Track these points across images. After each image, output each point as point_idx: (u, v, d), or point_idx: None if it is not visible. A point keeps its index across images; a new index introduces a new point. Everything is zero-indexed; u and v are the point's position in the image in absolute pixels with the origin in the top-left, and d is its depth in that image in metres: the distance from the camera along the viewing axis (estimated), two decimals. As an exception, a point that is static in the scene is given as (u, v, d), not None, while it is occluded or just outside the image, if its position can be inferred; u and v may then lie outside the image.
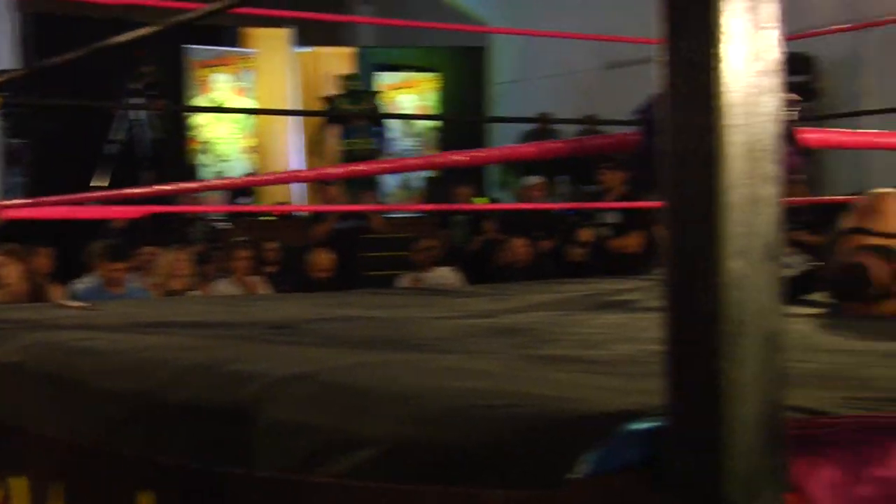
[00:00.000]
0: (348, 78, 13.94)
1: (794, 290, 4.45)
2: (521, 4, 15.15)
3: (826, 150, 11.95)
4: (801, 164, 1.75)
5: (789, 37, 9.39)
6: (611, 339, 3.05)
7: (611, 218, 9.81)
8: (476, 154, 3.00)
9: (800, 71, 12.13)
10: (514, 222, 10.57)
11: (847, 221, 3.93)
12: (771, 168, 1.41)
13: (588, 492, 1.49)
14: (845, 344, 2.98)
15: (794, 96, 1.75)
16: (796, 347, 2.83)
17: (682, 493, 1.41)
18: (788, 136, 1.73)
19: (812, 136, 1.75)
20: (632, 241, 9.14)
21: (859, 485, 1.45)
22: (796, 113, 1.72)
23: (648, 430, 1.51)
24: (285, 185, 14.03)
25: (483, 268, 9.85)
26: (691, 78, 1.41)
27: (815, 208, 10.03)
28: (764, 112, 1.41)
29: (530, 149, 3.14)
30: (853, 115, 10.78)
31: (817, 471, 1.44)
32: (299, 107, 14.91)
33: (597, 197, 11.09)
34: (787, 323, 1.43)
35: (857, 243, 3.74)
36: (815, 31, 10.03)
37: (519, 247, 9.53)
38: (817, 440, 1.50)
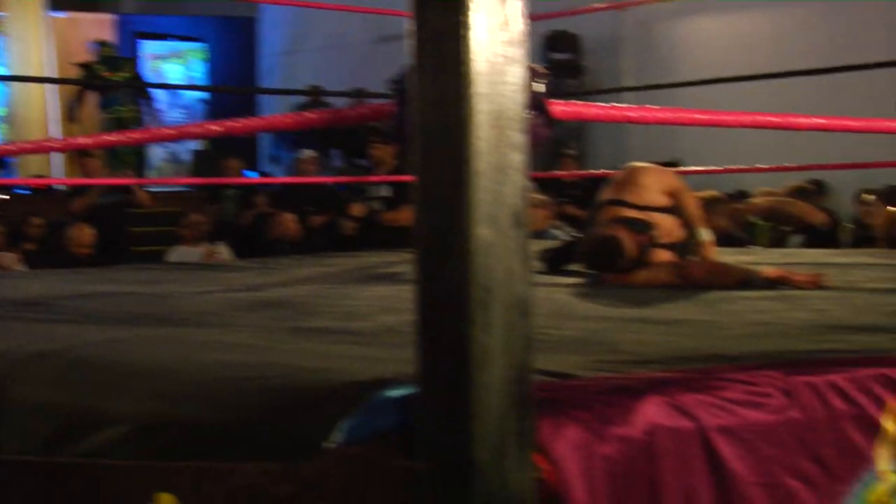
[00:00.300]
0: (103, 44, 13.42)
1: (557, 261, 4.59)
2: (291, -25, 15.03)
3: (591, 127, 12.35)
4: (548, 135, 1.79)
5: (554, 14, 9.62)
6: (375, 310, 3.07)
7: (383, 192, 9.83)
8: (231, 124, 2.94)
9: (564, 49, 12.45)
10: (286, 197, 10.47)
11: (605, 194, 4.07)
12: (518, 137, 1.44)
13: (342, 460, 1.49)
14: (599, 311, 3.08)
15: (543, 68, 1.78)
16: (554, 314, 2.92)
17: (433, 458, 1.43)
18: (538, 107, 1.77)
19: (560, 108, 1.79)
20: (403, 215, 9.19)
21: (602, 444, 1.50)
22: (546, 85, 1.76)
23: (401, 398, 1.53)
24: (44, 158, 13.41)
25: (254, 243, 9.72)
26: (439, 47, 1.42)
27: (582, 182, 10.35)
28: (510, 82, 1.43)
29: (287, 120, 3.11)
30: (613, 91, 11.14)
31: (562, 431, 1.49)
32: (55, 75, 14.29)
33: (368, 171, 11.11)
34: (534, 289, 1.46)
35: (613, 215, 3.87)
36: (578, 9, 10.34)
37: (289, 221, 9.43)
38: (563, 402, 1.55)
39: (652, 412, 1.56)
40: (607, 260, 3.80)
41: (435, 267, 1.44)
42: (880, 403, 1.84)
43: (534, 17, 7.10)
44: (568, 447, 1.48)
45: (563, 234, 7.74)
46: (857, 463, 1.80)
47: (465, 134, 1.40)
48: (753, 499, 1.65)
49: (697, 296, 3.35)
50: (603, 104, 1.86)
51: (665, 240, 3.88)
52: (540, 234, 8.04)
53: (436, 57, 1.42)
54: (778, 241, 8.19)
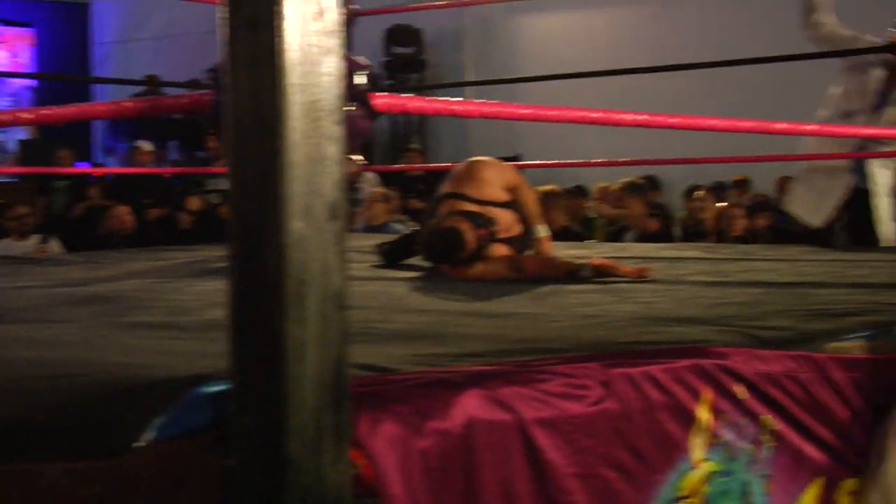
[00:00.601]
0: None
1: (395, 254, 4.59)
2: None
3: (434, 121, 12.40)
4: (369, 128, 1.78)
5: (396, 9, 9.62)
6: (203, 305, 3.02)
7: (221, 184, 9.69)
8: (44, 112, 2.84)
9: (406, 43, 12.48)
10: (120, 189, 10.23)
11: (444, 188, 4.08)
12: (334, 128, 1.42)
13: (154, 458, 1.46)
14: (431, 304, 3.08)
15: (365, 60, 1.77)
16: (385, 308, 2.92)
17: (246, 454, 1.40)
18: (360, 99, 1.75)
19: (382, 100, 1.78)
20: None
21: (419, 438, 1.50)
22: (367, 76, 1.75)
23: (216, 393, 1.50)
24: None
25: (86, 236, 9.47)
26: (252, 36, 1.39)
27: (426, 176, 10.39)
28: (326, 72, 1.41)
29: (102, 108, 3.02)
30: (455, 86, 11.22)
31: (380, 426, 1.48)
32: None
33: (206, 163, 10.95)
34: (351, 282, 1.44)
35: (452, 208, 3.88)
36: (419, 4, 10.37)
37: (124, 214, 9.22)
38: (382, 397, 1.54)
39: (471, 405, 1.57)
40: (447, 251, 3.80)
41: (248, 260, 1.42)
42: (695, 394, 1.88)
43: (375, 11, 7.00)
44: (385, 442, 1.48)
45: (405, 227, 7.75)
46: (672, 452, 1.84)
47: (278, 125, 1.37)
48: (571, 489, 1.67)
49: (530, 289, 3.39)
50: (427, 97, 1.86)
51: (503, 234, 3.91)
52: (382, 228, 8.05)
53: (248, 46, 1.40)
54: (614, 236, 8.37)
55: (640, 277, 3.49)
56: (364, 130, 1.79)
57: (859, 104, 5.35)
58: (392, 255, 4.59)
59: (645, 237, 7.78)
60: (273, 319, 1.40)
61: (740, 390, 1.97)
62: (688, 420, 1.87)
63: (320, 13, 1.42)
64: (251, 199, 1.41)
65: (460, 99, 2.10)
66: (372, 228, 8.01)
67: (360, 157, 7.55)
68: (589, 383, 1.73)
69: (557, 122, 2.07)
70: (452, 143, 12.56)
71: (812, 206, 5.47)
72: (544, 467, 1.64)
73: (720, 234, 7.70)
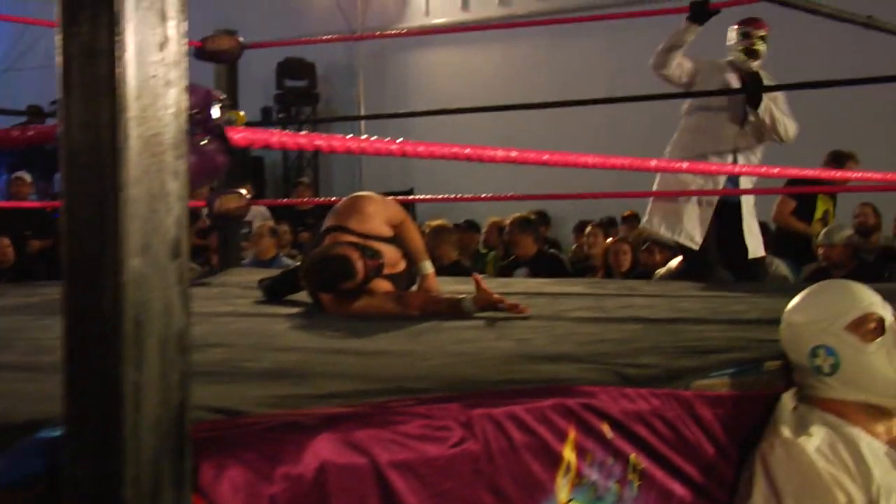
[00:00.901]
0: None
1: (277, 289, 4.51)
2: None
3: (327, 155, 12.31)
4: (226, 162, 1.73)
5: (288, 42, 9.54)
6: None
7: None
8: None
9: (299, 76, 12.43)
10: (1, 221, 9.96)
11: (328, 221, 4.02)
12: (176, 163, 1.37)
13: (-16, 508, 1.38)
14: (305, 341, 3.03)
15: (222, 94, 1.72)
16: (256, 346, 2.86)
17: (81, 503, 1.34)
18: (217, 133, 1.70)
19: (240, 135, 1.73)
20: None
21: (268, 484, 1.44)
22: (224, 110, 1.70)
23: (52, 439, 1.43)
24: None
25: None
26: (88, 66, 1.33)
27: (317, 210, 10.30)
28: (168, 105, 1.36)
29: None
30: (347, 119, 11.19)
31: (226, 472, 1.42)
32: None
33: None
34: (192, 321, 1.38)
35: (336, 240, 3.81)
36: (312, 38, 10.32)
37: (4, 246, 8.96)
38: (228, 441, 1.48)
39: (324, 449, 1.51)
40: (334, 279, 3.70)
41: (84, 300, 1.35)
42: (560, 433, 1.85)
43: (265, 44, 6.89)
44: (230, 489, 1.42)
45: (295, 262, 7.65)
46: (536, 493, 1.81)
47: (115, 159, 1.31)
48: (430, 533, 1.63)
49: (409, 326, 3.34)
50: (290, 132, 1.81)
51: (387, 270, 3.85)
52: (271, 263, 7.94)
53: (85, 76, 1.34)
54: (505, 271, 8.36)
55: (518, 313, 3.46)
56: (221, 165, 1.74)
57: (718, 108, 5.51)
58: (274, 291, 4.52)
59: (536, 272, 7.79)
60: (109, 362, 1.33)
61: (606, 429, 1.94)
62: (553, 460, 1.84)
63: (163, 43, 1.37)
64: (87, 236, 1.35)
65: (339, 134, 2.06)
66: (261, 263, 7.90)
67: (248, 191, 7.46)
68: (449, 424, 1.68)
69: (423, 157, 2.04)
70: (346, 177, 12.52)
71: (676, 225, 5.53)
72: (400, 511, 1.59)
73: (608, 268, 7.74)
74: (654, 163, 2.72)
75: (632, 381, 2.11)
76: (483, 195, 8.82)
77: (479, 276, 3.68)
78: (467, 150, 2.17)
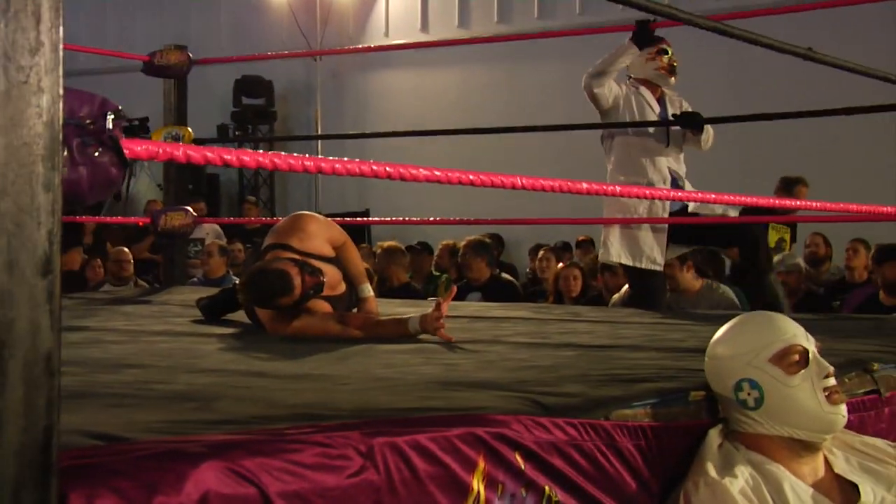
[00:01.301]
0: None
1: (216, 309, 4.42)
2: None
3: (283, 174, 12.22)
4: (121, 176, 1.65)
5: (241, 58, 9.45)
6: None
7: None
8: None
9: (257, 94, 12.34)
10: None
11: (269, 239, 3.94)
12: (48, 175, 1.29)
13: None
14: (228, 363, 2.94)
15: (117, 106, 1.64)
16: (175, 367, 2.76)
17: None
18: (111, 145, 1.62)
19: (140, 147, 1.65)
20: (70, 259, 8.78)
21: (143, 515, 1.36)
22: (119, 122, 1.62)
23: None
24: None
25: None
26: (-47, 70, 1.26)
27: (266, 230, 10.18)
28: (39, 113, 1.28)
29: None
30: (303, 139, 11.12)
31: (96, 502, 1.34)
32: None
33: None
34: (61, 342, 1.30)
35: (277, 257, 3.73)
36: (270, 54, 10.25)
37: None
38: (103, 469, 1.39)
39: (208, 479, 1.43)
40: (273, 293, 3.60)
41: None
42: (469, 464, 1.78)
43: (219, 59, 6.83)
44: (107, 519, 1.34)
45: (227, 281, 7.55)
46: (442, 526, 1.73)
47: (-22, 169, 1.24)
48: (320, 567, 1.55)
49: (338, 348, 3.27)
50: (194, 146, 1.74)
51: (327, 292, 3.78)
52: (220, 281, 7.83)
53: (-52, 80, 1.26)
54: (456, 295, 8.27)
55: (446, 340, 3.40)
56: (115, 178, 1.65)
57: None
58: (212, 310, 4.43)
59: (490, 297, 7.71)
60: (-29, 384, 1.25)
61: (519, 459, 1.87)
62: (460, 490, 1.76)
63: (36, 47, 1.29)
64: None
65: (296, 153, 1.98)
66: (210, 282, 7.80)
67: (198, 209, 7.37)
68: (348, 453, 1.61)
69: (380, 178, 1.97)
70: (303, 196, 12.44)
71: (637, 252, 5.46)
72: (291, 545, 1.51)
73: (558, 293, 7.68)
74: (585, 185, 2.65)
75: (550, 409, 2.04)
76: (438, 218, 8.75)
77: (441, 300, 3.60)
78: (424, 172, 2.11)
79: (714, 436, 2.27)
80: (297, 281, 3.57)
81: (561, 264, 8.15)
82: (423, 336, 3.47)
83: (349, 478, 1.59)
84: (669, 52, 5.43)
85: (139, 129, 1.76)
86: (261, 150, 2.12)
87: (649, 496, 2.15)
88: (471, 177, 2.29)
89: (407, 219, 9.79)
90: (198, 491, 1.42)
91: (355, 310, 4.03)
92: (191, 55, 6.47)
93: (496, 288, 7.99)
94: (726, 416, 2.32)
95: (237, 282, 4.58)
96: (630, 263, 5.47)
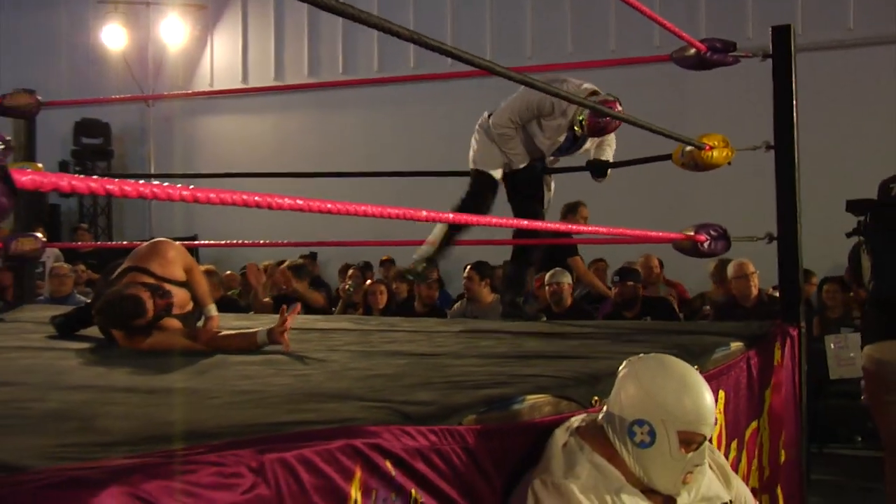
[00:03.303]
0: None
1: (70, 325, 4.09)
2: None
3: (119, 202, 11.67)
4: (9, 205, 1.42)
5: (83, 101, 8.95)
6: None
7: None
8: None
9: (95, 135, 11.77)
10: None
11: (129, 261, 3.71)
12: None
13: None
14: (94, 379, 2.67)
15: (7, 136, 1.42)
16: (44, 384, 2.49)
17: None
18: (2, 176, 1.39)
19: (27, 178, 1.42)
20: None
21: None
22: (8, 149, 1.40)
23: None
24: None
25: None
26: None
27: (103, 252, 9.68)
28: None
29: None
30: (137, 177, 10.64)
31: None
32: None
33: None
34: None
35: (134, 280, 3.54)
36: (107, 98, 9.80)
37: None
38: (5, 501, 1.16)
39: (109, 505, 1.22)
40: (126, 317, 3.45)
41: None
42: (347, 473, 1.61)
43: (62, 102, 6.34)
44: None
45: (87, 299, 7.13)
46: (324, 533, 1.56)
47: None
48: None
49: (194, 361, 3.04)
50: (73, 175, 1.52)
51: (177, 311, 3.61)
52: (66, 299, 7.35)
53: None
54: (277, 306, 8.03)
55: (286, 348, 3.28)
56: (5, 207, 1.42)
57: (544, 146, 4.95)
58: (66, 327, 4.10)
59: (311, 310, 7.50)
60: None
61: (389, 467, 1.71)
62: (340, 499, 1.59)
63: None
64: None
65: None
66: (57, 300, 7.33)
67: (42, 234, 6.91)
68: (241, 471, 1.41)
69: (213, 203, 1.77)
70: (137, 223, 11.90)
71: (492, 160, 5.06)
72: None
73: (367, 307, 7.54)
74: (424, 213, 2.52)
75: (412, 419, 1.89)
76: (261, 241, 8.47)
77: (286, 310, 3.43)
78: (256, 198, 1.91)
79: (559, 435, 2.15)
80: (150, 304, 3.44)
81: (369, 281, 8.01)
82: (268, 348, 3.30)
83: (243, 494, 1.40)
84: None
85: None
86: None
87: (492, 491, 2.02)
88: (287, 200, 2.12)
89: (229, 242, 9.43)
90: (101, 517, 1.20)
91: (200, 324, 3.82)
92: (39, 98, 6.08)
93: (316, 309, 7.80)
94: (603, 420, 2.17)
95: (90, 302, 4.25)
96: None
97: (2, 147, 1.34)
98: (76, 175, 1.57)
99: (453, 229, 5.04)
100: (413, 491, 1.77)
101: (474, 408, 2.07)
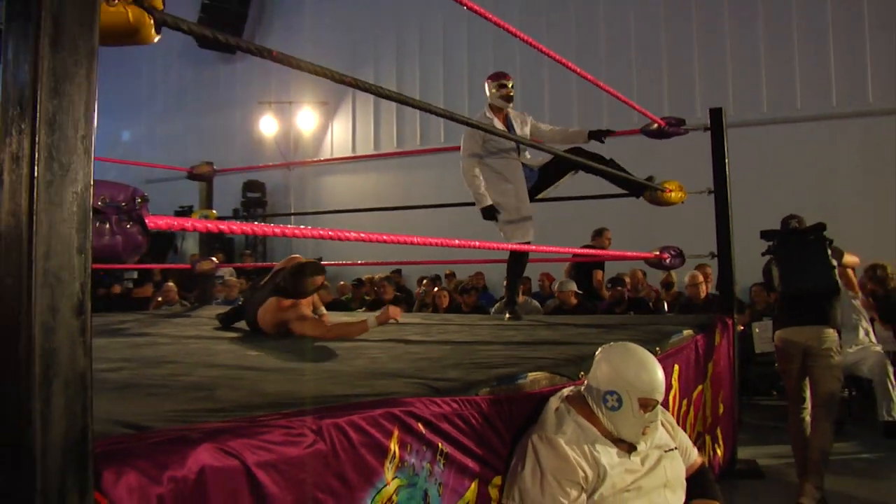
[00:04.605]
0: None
1: (230, 320, 4.08)
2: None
3: (273, 239, 11.73)
4: (145, 242, 1.38)
5: (245, 168, 9.00)
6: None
7: (129, 274, 8.84)
8: None
9: (255, 190, 11.93)
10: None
11: (277, 269, 3.73)
12: (80, 242, 1.02)
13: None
14: (233, 359, 2.60)
15: (143, 193, 1.38)
16: (195, 363, 2.44)
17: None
18: (137, 219, 1.36)
19: (156, 221, 1.38)
20: (145, 290, 8.24)
21: (156, 486, 1.09)
22: (142, 202, 1.36)
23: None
24: None
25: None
26: (15, 169, 0.98)
27: (260, 270, 9.76)
28: (72, 198, 1.02)
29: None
30: (282, 216, 10.73)
31: (122, 478, 1.06)
32: None
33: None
34: (90, 364, 1.03)
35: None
36: (264, 164, 9.92)
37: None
38: (127, 453, 1.11)
39: (204, 456, 1.16)
40: (313, 270, 3.38)
41: (5, 348, 0.99)
42: (387, 433, 1.54)
43: (232, 169, 6.32)
44: (126, 490, 1.06)
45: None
46: (371, 476, 1.48)
47: (31, 239, 0.97)
48: (288, 512, 1.28)
49: (305, 346, 2.99)
50: (202, 220, 1.47)
51: (308, 312, 3.53)
52: (233, 302, 7.41)
53: (11, 175, 0.98)
54: (373, 308, 7.98)
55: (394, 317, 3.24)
56: (141, 243, 1.38)
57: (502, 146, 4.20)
58: (227, 320, 4.10)
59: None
60: (22, 397, 0.97)
61: (421, 427, 1.64)
62: (382, 452, 1.52)
63: (73, 150, 1.02)
64: (9, 298, 0.99)
65: (274, 224, 1.73)
66: (228, 302, 7.40)
67: (219, 258, 6.98)
68: (304, 431, 1.35)
69: (332, 239, 1.76)
70: (283, 248, 11.99)
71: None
72: (266, 497, 1.25)
73: (434, 307, 7.45)
74: (477, 243, 2.47)
75: (440, 391, 1.81)
76: (361, 261, 8.48)
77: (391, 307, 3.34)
78: (363, 235, 1.89)
79: (553, 401, 2.05)
80: (322, 275, 3.43)
81: (436, 287, 7.93)
82: (358, 338, 3.22)
83: (305, 449, 1.34)
84: (507, 85, 4.23)
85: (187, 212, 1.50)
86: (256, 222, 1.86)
87: (503, 443, 1.93)
88: (385, 237, 2.07)
89: (344, 262, 9.47)
90: (197, 465, 1.15)
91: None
92: (215, 167, 6.16)
93: (397, 303, 7.74)
94: (585, 391, 2.07)
95: (241, 303, 4.21)
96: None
97: (140, 201, 1.31)
98: (209, 220, 1.53)
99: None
100: (440, 444, 1.69)
101: (488, 383, 1.99)
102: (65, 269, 1.00)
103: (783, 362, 4.10)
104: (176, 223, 1.47)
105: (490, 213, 4.25)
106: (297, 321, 3.38)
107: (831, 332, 3.94)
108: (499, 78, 4.25)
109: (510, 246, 3.24)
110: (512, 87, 4.27)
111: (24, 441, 0.97)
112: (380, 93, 1.93)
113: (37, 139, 0.98)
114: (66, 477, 0.99)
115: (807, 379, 4.04)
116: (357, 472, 1.44)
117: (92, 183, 1.03)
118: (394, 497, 1.54)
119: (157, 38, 1.49)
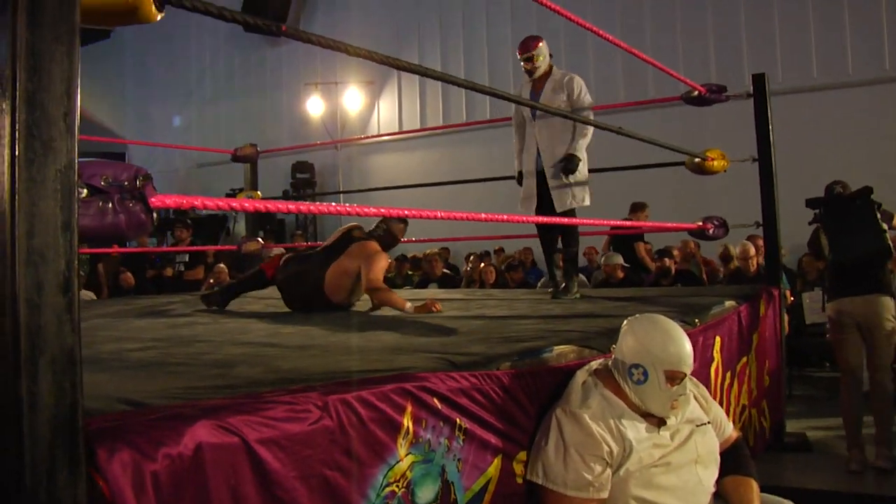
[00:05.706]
0: None
1: (224, 297, 4.05)
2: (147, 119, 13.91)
3: (323, 218, 11.84)
4: (149, 220, 1.37)
5: (296, 146, 9.08)
6: (108, 339, 2.50)
7: (181, 258, 9.06)
8: None
9: (304, 171, 12.02)
10: (128, 261, 9.36)
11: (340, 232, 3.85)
12: (64, 220, 1.01)
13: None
14: (262, 337, 2.60)
15: (146, 171, 1.37)
16: (225, 342, 2.44)
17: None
18: (140, 198, 1.35)
19: (158, 199, 1.37)
20: (197, 272, 8.42)
21: (151, 462, 1.08)
22: (145, 181, 1.35)
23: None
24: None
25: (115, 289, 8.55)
26: (33, 167, 0.97)
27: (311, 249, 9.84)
28: (55, 175, 1.01)
29: None
30: (331, 194, 10.81)
31: (116, 454, 1.06)
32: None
33: (177, 244, 10.20)
34: (79, 341, 1.02)
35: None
36: (310, 143, 9.99)
37: (127, 277, 8.39)
38: (121, 430, 1.11)
39: (201, 434, 1.15)
40: (396, 223, 3.69)
41: (-9, 328, 0.99)
42: (400, 408, 1.51)
43: (283, 148, 6.42)
44: (120, 466, 1.05)
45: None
46: (382, 451, 1.46)
47: (13, 219, 0.96)
48: (292, 488, 1.27)
49: (342, 321, 2.98)
50: (212, 198, 1.46)
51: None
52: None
53: (26, 175, 0.97)
54: (420, 284, 7.98)
55: (436, 310, 3.25)
56: (145, 222, 1.38)
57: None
58: (220, 299, 3.99)
59: (442, 285, 7.41)
60: (9, 374, 0.97)
61: (437, 402, 1.60)
62: (394, 427, 1.49)
63: (54, 126, 1.01)
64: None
65: (325, 202, 1.72)
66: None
67: (264, 239, 7.06)
68: (309, 407, 1.33)
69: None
70: (333, 228, 12.10)
71: None
72: (268, 474, 1.23)
73: (481, 282, 7.41)
74: (504, 216, 2.44)
75: (457, 366, 1.78)
76: (412, 239, 8.47)
77: (435, 301, 3.35)
78: (411, 211, 1.88)
79: (580, 375, 1.99)
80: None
81: (483, 263, 7.89)
82: (396, 313, 3.21)
83: (310, 425, 1.32)
84: (522, 59, 4.07)
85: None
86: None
87: (528, 418, 1.89)
88: (438, 213, 2.04)
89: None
90: (193, 442, 1.14)
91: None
92: (258, 148, 6.22)
93: (445, 279, 7.73)
94: (612, 364, 2.00)
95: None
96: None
97: (142, 180, 1.30)
98: (221, 199, 1.52)
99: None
100: (458, 419, 1.66)
101: (509, 357, 1.94)
102: (49, 246, 0.99)
103: (836, 333, 3.98)
104: (185, 202, 1.46)
105: (576, 164, 4.01)
106: (372, 270, 3.43)
107: (886, 300, 3.80)
108: (518, 52, 4.06)
109: (557, 220, 3.19)
110: (528, 59, 4.02)
111: (11, 418, 0.97)
112: (423, 72, 1.89)
113: (16, 117, 0.97)
114: (55, 453, 0.99)
115: (862, 349, 3.91)
116: (367, 448, 1.41)
117: (76, 159, 1.02)
118: (408, 473, 1.51)
119: (159, 16, 1.47)
